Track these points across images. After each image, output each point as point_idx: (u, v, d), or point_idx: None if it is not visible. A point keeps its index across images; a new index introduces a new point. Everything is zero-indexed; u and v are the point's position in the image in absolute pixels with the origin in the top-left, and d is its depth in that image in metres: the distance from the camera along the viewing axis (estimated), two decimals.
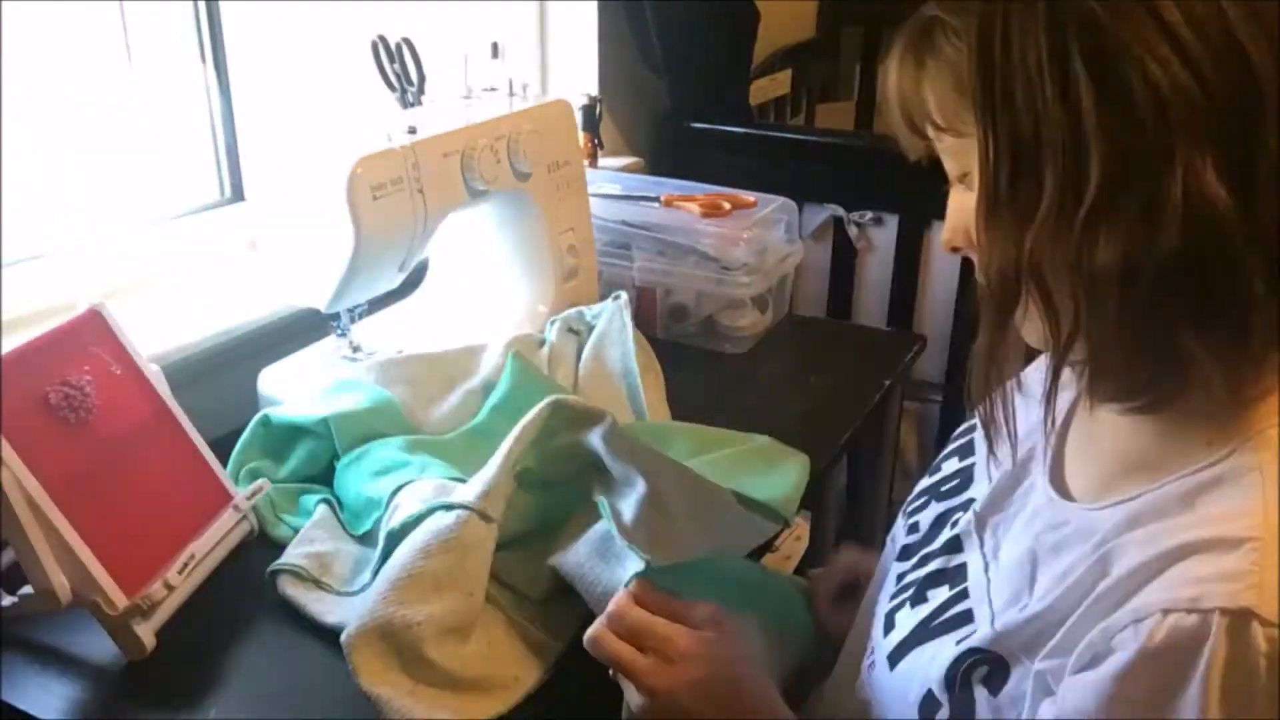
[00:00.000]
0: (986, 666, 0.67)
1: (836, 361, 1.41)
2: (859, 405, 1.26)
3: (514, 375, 1.11)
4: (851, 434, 1.21)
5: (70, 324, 0.91)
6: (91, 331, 0.92)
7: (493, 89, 1.30)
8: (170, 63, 1.28)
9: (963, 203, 0.69)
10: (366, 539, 0.96)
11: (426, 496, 0.92)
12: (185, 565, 0.89)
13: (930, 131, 0.68)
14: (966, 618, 0.71)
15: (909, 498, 0.90)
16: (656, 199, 1.53)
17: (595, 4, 1.85)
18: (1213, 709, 0.54)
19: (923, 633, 0.74)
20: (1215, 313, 0.59)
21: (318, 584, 0.91)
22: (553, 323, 1.26)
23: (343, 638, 0.79)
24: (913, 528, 0.86)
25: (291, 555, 0.93)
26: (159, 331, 1.16)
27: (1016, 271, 0.62)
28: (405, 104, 1.31)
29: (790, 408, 1.25)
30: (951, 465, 0.88)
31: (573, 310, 1.29)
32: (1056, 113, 0.58)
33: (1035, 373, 0.77)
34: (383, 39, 1.29)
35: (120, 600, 0.83)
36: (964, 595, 0.73)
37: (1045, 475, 0.73)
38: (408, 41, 1.30)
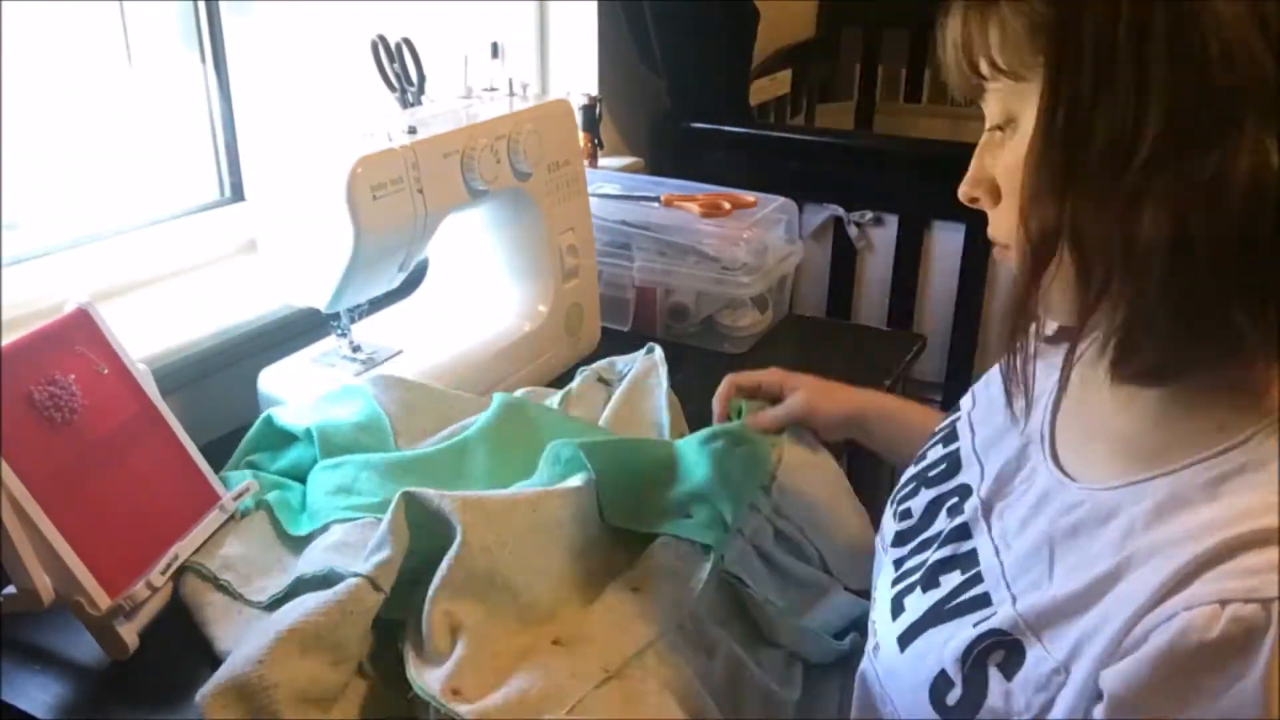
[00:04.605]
0: (1003, 650, 0.67)
1: (836, 361, 1.41)
2: None
3: (500, 406, 1.08)
4: None
5: (57, 323, 0.91)
6: (79, 331, 0.92)
7: (493, 89, 1.30)
8: (170, 63, 1.28)
9: (993, 153, 0.69)
10: (298, 542, 0.95)
11: (351, 541, 0.90)
12: (169, 565, 0.89)
13: (985, 70, 0.66)
14: (984, 601, 0.71)
15: (897, 487, 0.91)
16: (656, 199, 1.53)
17: (595, 4, 1.85)
18: (1274, 700, 0.54)
19: (937, 615, 0.74)
20: (1268, 290, 0.58)
21: (215, 583, 0.90)
22: (583, 372, 1.23)
23: (198, 695, 0.73)
24: (904, 514, 0.86)
25: (198, 555, 0.92)
26: (159, 331, 1.16)
27: (1057, 227, 0.62)
28: (405, 104, 1.31)
29: None
30: (937, 452, 0.88)
31: (605, 361, 1.26)
32: (1125, 70, 0.58)
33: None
34: (383, 39, 1.29)
35: (103, 600, 0.83)
36: (978, 579, 0.73)
37: (1047, 459, 0.73)
38: (408, 41, 1.30)
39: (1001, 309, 0.69)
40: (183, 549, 0.91)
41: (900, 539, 0.85)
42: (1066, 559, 0.67)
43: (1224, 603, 0.55)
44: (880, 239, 2.00)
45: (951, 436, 0.88)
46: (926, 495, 0.85)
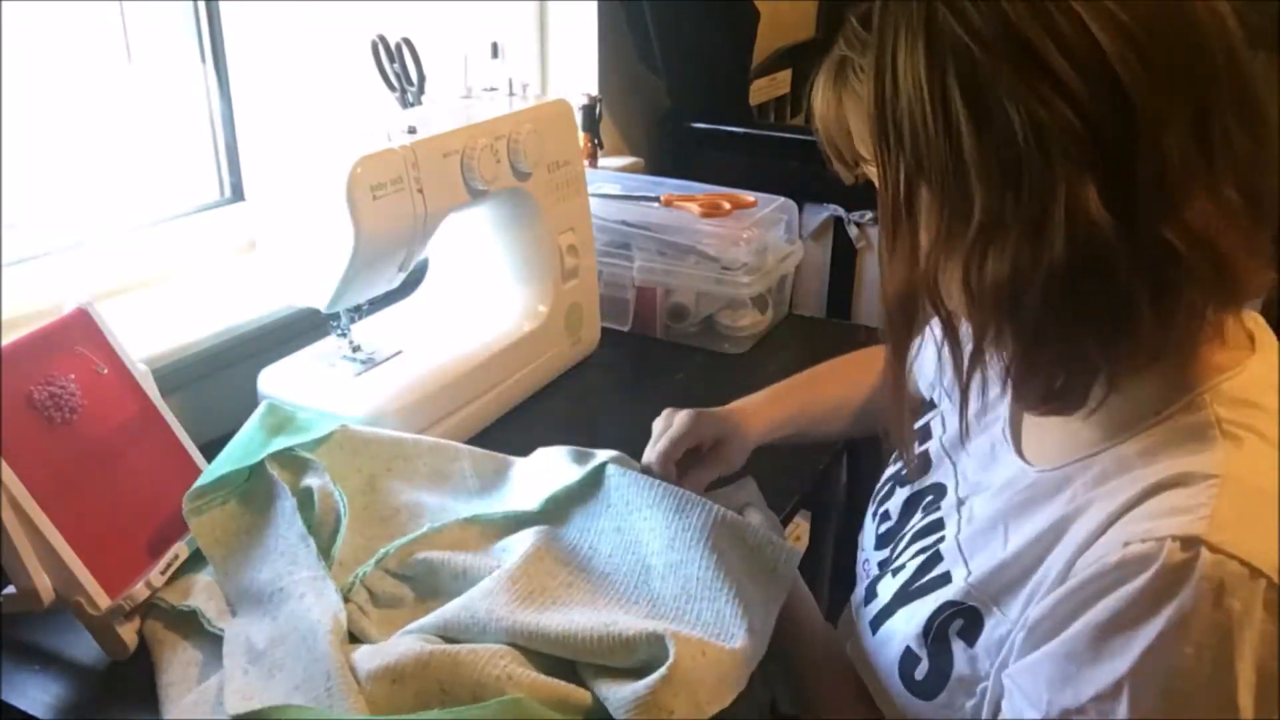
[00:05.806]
0: (961, 619, 0.71)
1: None
2: None
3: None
4: None
5: (57, 323, 0.91)
6: (79, 331, 0.92)
7: (493, 89, 1.30)
8: (170, 63, 1.28)
9: None
10: None
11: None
12: (169, 565, 0.89)
13: (850, 159, 0.73)
14: (944, 579, 0.75)
15: (875, 490, 0.94)
16: (656, 199, 1.53)
17: (595, 4, 1.85)
18: (1156, 631, 0.57)
19: (903, 598, 0.78)
20: (1107, 324, 0.62)
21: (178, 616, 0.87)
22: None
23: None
24: (884, 516, 0.90)
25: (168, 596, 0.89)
26: (159, 331, 1.16)
27: (912, 292, 0.66)
28: (405, 104, 1.31)
29: None
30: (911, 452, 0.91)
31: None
32: (939, 145, 0.62)
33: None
34: (383, 39, 1.29)
35: (103, 601, 0.83)
36: (938, 558, 0.77)
37: (1011, 452, 0.77)
38: (408, 41, 1.30)
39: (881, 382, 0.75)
40: (183, 549, 0.91)
41: (882, 541, 0.88)
42: (1019, 528, 0.70)
43: (1126, 544, 0.60)
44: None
45: (925, 434, 0.91)
46: (903, 494, 0.88)
